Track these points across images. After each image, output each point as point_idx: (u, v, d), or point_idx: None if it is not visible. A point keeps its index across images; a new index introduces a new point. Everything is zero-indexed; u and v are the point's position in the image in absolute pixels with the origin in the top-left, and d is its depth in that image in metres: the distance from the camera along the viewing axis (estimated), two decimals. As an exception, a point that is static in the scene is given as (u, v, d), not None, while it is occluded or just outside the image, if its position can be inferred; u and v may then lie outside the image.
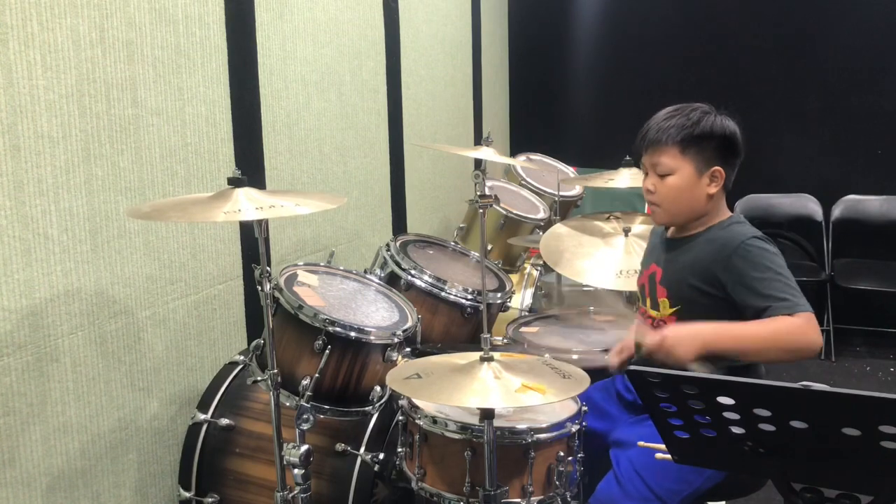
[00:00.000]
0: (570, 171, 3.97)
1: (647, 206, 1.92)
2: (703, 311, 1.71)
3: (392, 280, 2.34)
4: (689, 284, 1.76)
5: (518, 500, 1.66)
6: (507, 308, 2.69)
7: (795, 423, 1.10)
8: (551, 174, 3.60)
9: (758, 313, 1.63)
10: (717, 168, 1.77)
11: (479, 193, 1.74)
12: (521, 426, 1.68)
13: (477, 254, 2.71)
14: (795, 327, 1.58)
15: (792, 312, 1.59)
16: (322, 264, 2.14)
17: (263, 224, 1.65)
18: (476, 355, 1.61)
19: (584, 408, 1.78)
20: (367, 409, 1.90)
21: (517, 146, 5.07)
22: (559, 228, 2.61)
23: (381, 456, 1.89)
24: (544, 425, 1.68)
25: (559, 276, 3.02)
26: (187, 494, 2.04)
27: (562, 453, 1.69)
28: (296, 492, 1.70)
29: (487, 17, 4.62)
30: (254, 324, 2.41)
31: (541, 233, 3.06)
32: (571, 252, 2.48)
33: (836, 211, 4.45)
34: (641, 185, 1.88)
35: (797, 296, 1.62)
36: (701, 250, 1.78)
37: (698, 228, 1.82)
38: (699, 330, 1.64)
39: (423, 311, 2.24)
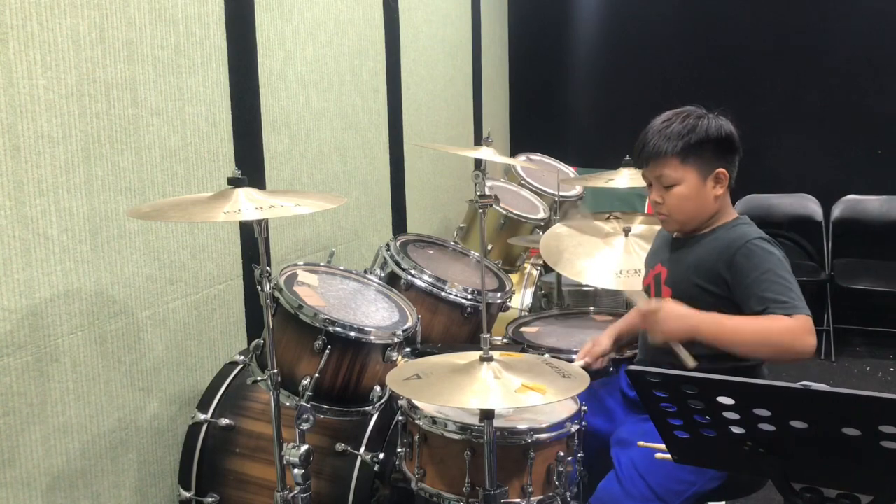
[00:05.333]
0: (570, 171, 3.97)
1: (646, 204, 1.92)
2: (707, 311, 1.71)
3: (392, 280, 2.34)
4: (694, 284, 1.76)
5: (518, 500, 1.66)
6: (507, 308, 2.69)
7: (795, 423, 1.10)
8: (551, 174, 3.60)
9: (756, 314, 1.64)
10: (720, 170, 1.77)
11: (479, 193, 1.73)
12: (521, 426, 1.67)
13: (477, 254, 2.71)
14: (790, 328, 1.59)
15: (790, 314, 1.60)
16: (322, 264, 2.13)
17: (263, 224, 1.65)
18: (476, 355, 1.61)
19: (584, 407, 1.78)
20: (367, 409, 1.90)
21: (517, 146, 5.06)
22: (559, 228, 2.61)
23: (381, 456, 1.89)
24: (544, 425, 1.68)
25: (559, 276, 3.02)
26: (187, 494, 2.04)
27: (561, 453, 1.69)
28: (296, 492, 1.70)
29: (487, 17, 4.62)
30: (254, 324, 2.41)
31: (541, 233, 3.06)
32: (571, 252, 2.48)
33: (836, 211, 4.45)
34: (644, 188, 1.88)
35: (796, 298, 1.63)
36: (706, 250, 1.78)
37: (705, 229, 1.82)
38: (693, 314, 1.66)
39: (423, 311, 2.24)
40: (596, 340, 2.00)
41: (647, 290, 1.92)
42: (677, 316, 1.67)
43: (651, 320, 1.69)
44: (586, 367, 1.92)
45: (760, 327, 1.62)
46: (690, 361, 1.68)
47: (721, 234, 1.79)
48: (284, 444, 1.70)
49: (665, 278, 1.84)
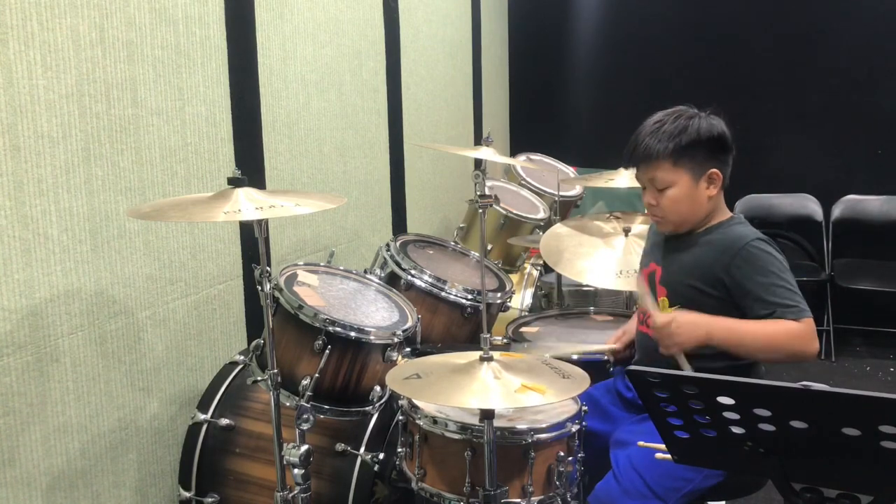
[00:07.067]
0: (570, 171, 3.97)
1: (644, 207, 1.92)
2: (702, 311, 1.72)
3: (392, 280, 2.34)
4: (689, 284, 1.76)
5: (518, 500, 1.66)
6: (507, 308, 2.69)
7: (795, 423, 1.10)
8: (551, 174, 3.60)
9: (762, 318, 1.64)
10: (713, 171, 1.77)
11: (479, 193, 1.73)
12: (521, 426, 1.67)
13: (477, 254, 2.71)
14: (799, 333, 1.62)
15: (798, 318, 1.61)
16: (322, 264, 2.13)
17: (263, 224, 1.65)
18: (476, 355, 1.61)
19: (584, 408, 1.78)
20: (367, 409, 1.90)
21: (517, 146, 5.06)
22: (559, 228, 2.61)
23: (381, 456, 1.89)
24: (544, 425, 1.68)
25: (559, 276, 3.02)
26: (187, 494, 2.04)
27: (562, 453, 1.69)
28: (296, 492, 1.70)
29: (487, 17, 4.62)
30: (254, 324, 2.41)
31: (541, 233, 3.06)
32: (571, 252, 2.48)
33: (836, 211, 4.45)
34: (642, 199, 1.88)
35: (801, 301, 1.65)
36: (702, 251, 1.78)
37: (699, 228, 1.82)
38: (707, 321, 1.66)
39: (423, 311, 2.23)
40: (627, 328, 2.04)
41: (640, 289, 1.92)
42: (690, 323, 1.66)
43: (664, 334, 1.68)
44: (615, 354, 1.99)
45: (771, 332, 1.63)
46: (688, 369, 1.67)
47: (717, 234, 1.78)
48: (284, 444, 1.70)
49: (659, 278, 1.84)
